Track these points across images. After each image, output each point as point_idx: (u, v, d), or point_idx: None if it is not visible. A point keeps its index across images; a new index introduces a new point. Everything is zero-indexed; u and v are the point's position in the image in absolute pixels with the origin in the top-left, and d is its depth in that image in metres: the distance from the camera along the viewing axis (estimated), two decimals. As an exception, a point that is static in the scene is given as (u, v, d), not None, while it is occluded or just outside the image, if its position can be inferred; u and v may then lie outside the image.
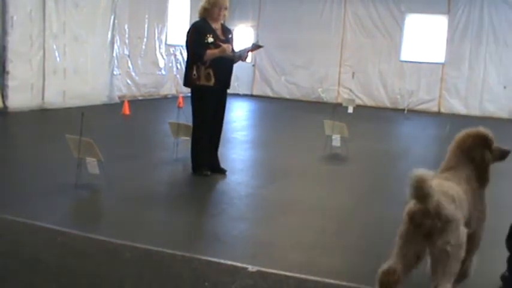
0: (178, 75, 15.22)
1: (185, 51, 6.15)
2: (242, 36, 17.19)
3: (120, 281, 3.11)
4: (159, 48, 14.28)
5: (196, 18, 5.96)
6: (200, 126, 5.89)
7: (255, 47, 6.13)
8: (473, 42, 14.47)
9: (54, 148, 6.70)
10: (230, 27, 20.66)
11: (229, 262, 3.47)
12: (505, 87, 14.29)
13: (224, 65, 5.82)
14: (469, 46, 14.54)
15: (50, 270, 3.20)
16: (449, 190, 2.87)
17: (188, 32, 5.90)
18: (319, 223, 4.63)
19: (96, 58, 11.85)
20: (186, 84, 5.92)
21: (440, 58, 14.83)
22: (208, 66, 5.71)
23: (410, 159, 8.09)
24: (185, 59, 6.43)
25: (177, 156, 6.66)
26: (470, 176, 3.15)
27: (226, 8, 5.85)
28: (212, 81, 5.74)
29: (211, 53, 5.67)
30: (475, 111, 14.55)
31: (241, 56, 5.94)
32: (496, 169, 8.07)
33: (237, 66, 6.24)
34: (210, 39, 5.70)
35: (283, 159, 7.38)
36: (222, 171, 6.07)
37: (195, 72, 5.73)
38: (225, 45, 5.72)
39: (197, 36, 5.74)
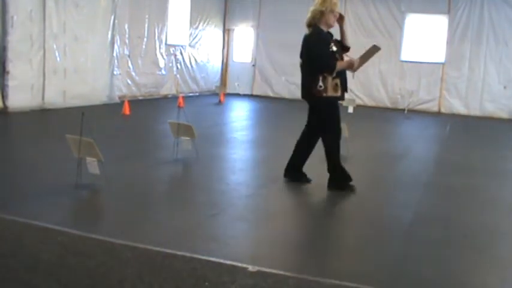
0: (178, 75, 15.24)
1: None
2: (242, 36, 17.21)
3: (120, 281, 3.10)
4: (159, 48, 14.29)
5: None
6: (336, 138, 5.59)
7: (374, 49, 5.53)
8: (473, 42, 14.48)
9: (54, 148, 6.70)
10: (230, 27, 20.62)
11: (229, 262, 3.46)
12: (505, 87, 14.30)
13: (345, 74, 5.55)
14: (469, 46, 14.55)
15: (50, 270, 3.20)
16: None
17: (313, 41, 5.47)
18: (319, 223, 4.63)
19: (96, 58, 11.86)
20: (307, 96, 5.52)
21: (441, 58, 14.84)
22: (336, 77, 5.39)
23: (410, 159, 8.09)
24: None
25: (177, 156, 6.66)
26: None
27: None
28: (339, 92, 5.44)
29: (340, 64, 5.41)
30: (475, 111, 14.56)
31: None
32: (497, 169, 8.08)
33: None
34: (334, 48, 5.43)
35: (283, 159, 7.35)
36: (309, 180, 5.90)
37: (321, 83, 5.34)
38: (354, 59, 5.47)
39: (324, 45, 5.40)
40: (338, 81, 5.41)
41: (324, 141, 5.68)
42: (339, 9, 5.58)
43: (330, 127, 5.59)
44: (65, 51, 10.89)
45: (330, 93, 5.40)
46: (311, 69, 5.45)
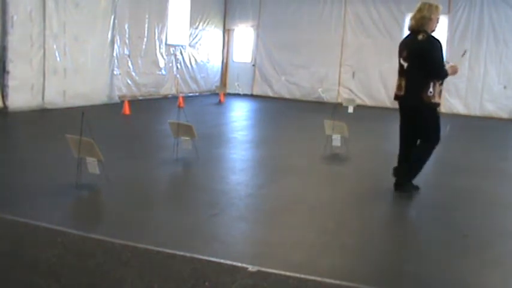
0: (178, 75, 15.24)
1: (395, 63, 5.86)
2: (242, 36, 17.21)
3: (120, 281, 3.10)
4: (159, 48, 14.29)
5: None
6: (436, 144, 5.60)
7: (464, 54, 5.78)
8: (473, 42, 14.47)
9: (54, 148, 6.70)
10: (230, 27, 20.58)
11: (229, 262, 3.46)
12: (505, 87, 14.30)
13: None
14: (469, 46, 14.53)
15: (50, 270, 3.20)
16: None
17: (433, 48, 5.45)
18: (319, 223, 4.63)
19: (96, 58, 11.86)
20: (414, 101, 5.55)
21: (440, 58, 14.83)
22: (441, 84, 5.50)
23: (411, 159, 8.08)
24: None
25: (177, 156, 6.66)
26: None
27: None
28: (441, 99, 5.56)
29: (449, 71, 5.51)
30: (475, 111, 14.56)
31: None
32: (497, 169, 8.08)
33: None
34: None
35: (283, 159, 7.38)
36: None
37: (431, 89, 5.39)
38: (456, 66, 5.62)
39: (441, 52, 5.46)
40: (442, 88, 5.51)
41: (421, 145, 5.66)
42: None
43: (434, 134, 5.57)
44: (65, 51, 10.89)
45: (437, 99, 5.46)
46: (423, 74, 5.43)
